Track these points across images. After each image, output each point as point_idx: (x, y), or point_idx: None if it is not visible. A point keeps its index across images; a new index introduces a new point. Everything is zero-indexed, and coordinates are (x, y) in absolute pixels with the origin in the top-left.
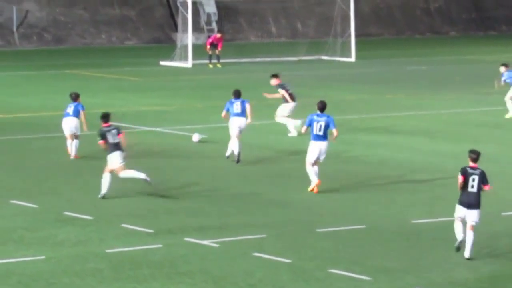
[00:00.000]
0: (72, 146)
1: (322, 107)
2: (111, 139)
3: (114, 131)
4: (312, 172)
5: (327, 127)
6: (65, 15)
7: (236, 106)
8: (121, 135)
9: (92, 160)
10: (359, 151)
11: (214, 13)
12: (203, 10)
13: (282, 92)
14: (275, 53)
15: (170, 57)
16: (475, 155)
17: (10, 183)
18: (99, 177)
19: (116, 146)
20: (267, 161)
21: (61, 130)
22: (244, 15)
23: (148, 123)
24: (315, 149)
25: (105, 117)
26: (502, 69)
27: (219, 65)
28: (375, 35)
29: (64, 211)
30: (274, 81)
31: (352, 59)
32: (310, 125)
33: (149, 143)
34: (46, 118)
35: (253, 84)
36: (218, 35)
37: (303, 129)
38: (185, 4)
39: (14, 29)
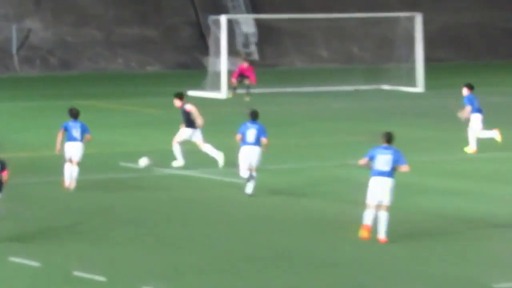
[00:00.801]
0: (72, 173)
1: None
2: None
3: None
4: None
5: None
6: (74, 35)
7: (250, 133)
8: (4, 173)
9: (99, 198)
10: (428, 200)
11: (253, 34)
12: (240, 29)
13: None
14: (325, 81)
15: (199, 86)
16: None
17: (7, 237)
18: (113, 224)
19: None
20: (287, 203)
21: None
22: (289, 36)
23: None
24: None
25: None
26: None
27: (247, 99)
28: (445, 60)
29: (72, 270)
30: (177, 102)
31: (419, 88)
32: (371, 158)
33: (176, 189)
34: (49, 158)
35: (297, 118)
36: (246, 65)
37: (363, 162)
38: (217, 23)
39: (14, 52)
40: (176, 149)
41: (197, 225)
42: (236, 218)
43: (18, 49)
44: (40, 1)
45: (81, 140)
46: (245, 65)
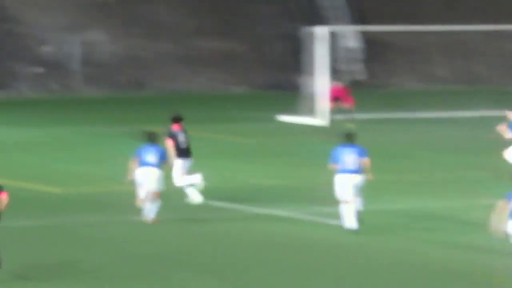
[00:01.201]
0: (151, 207)
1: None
2: None
3: None
4: None
5: None
6: (147, 50)
7: (349, 158)
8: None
9: (175, 241)
10: None
11: (359, 49)
12: (343, 44)
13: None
14: (444, 105)
15: (293, 110)
16: None
17: None
18: (191, 274)
19: None
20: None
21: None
22: (401, 52)
23: (264, 203)
24: None
25: None
26: None
27: (350, 125)
28: None
29: None
30: (176, 128)
31: None
32: None
33: (269, 233)
34: (117, 193)
35: (410, 149)
36: (339, 85)
37: None
38: (316, 36)
39: (76, 69)
40: (181, 184)
41: (302, 275)
42: (345, 266)
43: (81, 65)
44: (108, 10)
45: (158, 166)
46: (338, 86)
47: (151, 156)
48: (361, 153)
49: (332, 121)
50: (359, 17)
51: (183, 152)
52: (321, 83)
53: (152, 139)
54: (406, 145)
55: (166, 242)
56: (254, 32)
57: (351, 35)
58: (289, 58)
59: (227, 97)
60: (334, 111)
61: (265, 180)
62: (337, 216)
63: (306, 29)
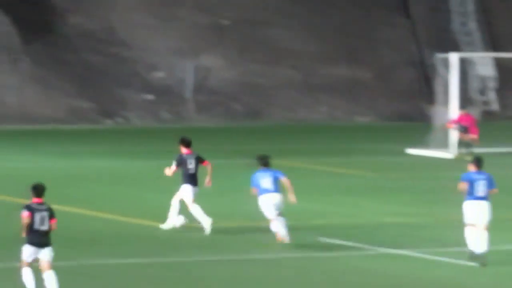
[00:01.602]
0: (280, 227)
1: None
2: (37, 222)
3: (45, 213)
4: None
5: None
6: (266, 76)
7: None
8: (53, 221)
9: (289, 282)
10: None
11: (492, 77)
12: (475, 72)
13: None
14: None
15: (423, 143)
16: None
17: None
18: None
19: (43, 237)
20: None
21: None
22: None
23: (391, 243)
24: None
25: (37, 190)
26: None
27: (468, 158)
28: None
29: None
30: (184, 150)
31: None
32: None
33: (393, 272)
34: (231, 230)
35: None
36: (467, 115)
37: None
38: (446, 63)
39: (188, 96)
40: (195, 212)
41: None
42: None
43: (194, 92)
44: (223, 33)
45: (276, 191)
46: (466, 115)
47: (265, 181)
48: (490, 182)
49: (458, 154)
50: (493, 43)
51: (191, 178)
52: (452, 113)
53: (265, 163)
54: None
55: (288, 281)
56: (380, 58)
57: (483, 62)
58: (417, 86)
59: (351, 128)
60: (459, 142)
61: (389, 217)
62: (464, 256)
63: (436, 55)
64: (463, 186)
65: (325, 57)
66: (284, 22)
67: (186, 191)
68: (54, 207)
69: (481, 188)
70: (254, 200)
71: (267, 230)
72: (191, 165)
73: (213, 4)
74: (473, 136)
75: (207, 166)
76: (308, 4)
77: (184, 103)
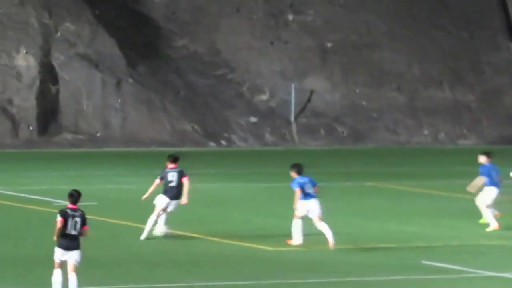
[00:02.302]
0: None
1: None
2: (69, 227)
3: (78, 219)
4: None
5: None
6: (370, 99)
7: None
8: (86, 228)
9: None
10: None
11: None
12: None
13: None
14: None
15: None
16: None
17: None
18: None
19: (72, 240)
20: None
21: None
22: None
23: (493, 265)
24: None
25: (72, 196)
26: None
27: None
28: None
29: None
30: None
31: None
32: None
33: None
34: (330, 252)
35: None
36: None
37: None
38: None
39: (292, 119)
40: (150, 220)
41: None
42: None
43: (298, 114)
44: (327, 55)
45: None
46: None
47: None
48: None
49: None
50: None
51: (170, 190)
52: None
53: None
54: None
55: None
56: (485, 81)
57: None
58: None
59: (454, 152)
60: None
61: (490, 240)
62: None
63: None
64: None
65: (429, 80)
66: (388, 44)
67: (159, 200)
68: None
69: None
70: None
71: (368, 251)
72: (172, 177)
73: (317, 26)
74: None
75: (184, 182)
76: (412, 27)
77: (288, 126)
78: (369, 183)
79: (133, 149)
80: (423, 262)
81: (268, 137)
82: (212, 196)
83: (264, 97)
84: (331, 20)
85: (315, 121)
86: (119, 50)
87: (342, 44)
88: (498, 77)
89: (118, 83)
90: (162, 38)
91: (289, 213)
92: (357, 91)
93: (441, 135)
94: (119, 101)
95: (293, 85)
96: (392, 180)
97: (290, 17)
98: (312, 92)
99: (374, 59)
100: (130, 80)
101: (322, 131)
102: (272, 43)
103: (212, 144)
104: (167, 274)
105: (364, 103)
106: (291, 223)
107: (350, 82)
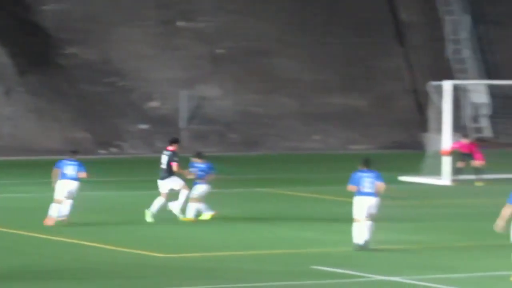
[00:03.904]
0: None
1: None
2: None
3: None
4: None
5: None
6: (262, 106)
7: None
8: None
9: None
10: None
11: (486, 105)
12: (469, 100)
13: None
14: None
15: (416, 170)
16: None
17: None
18: None
19: None
20: None
21: None
22: None
23: (382, 269)
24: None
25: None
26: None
27: (479, 183)
28: None
29: None
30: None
31: None
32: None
33: None
34: (226, 259)
35: None
36: (468, 142)
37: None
38: (440, 90)
39: (183, 125)
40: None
41: None
42: None
43: (189, 121)
44: (218, 62)
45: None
46: (467, 142)
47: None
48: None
49: (460, 181)
50: (486, 70)
51: (161, 171)
52: (446, 141)
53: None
54: None
55: None
56: (375, 87)
57: (477, 89)
58: (412, 114)
59: (346, 157)
60: (463, 170)
61: (381, 244)
62: (457, 282)
63: (430, 83)
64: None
65: (320, 86)
66: (279, 50)
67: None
68: (43, 236)
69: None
70: (247, 228)
71: (259, 257)
72: (163, 160)
73: (209, 33)
74: (478, 162)
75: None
76: (304, 33)
77: (178, 132)
78: (260, 189)
79: (24, 158)
80: (313, 267)
81: (159, 144)
82: (103, 204)
83: (155, 104)
84: (223, 27)
85: (207, 128)
86: (10, 59)
87: (233, 51)
88: (389, 82)
89: (8, 92)
90: (53, 46)
91: (180, 220)
92: (249, 97)
93: (333, 141)
94: (10, 110)
95: (184, 92)
96: (284, 186)
97: (182, 24)
98: (203, 98)
99: (266, 65)
100: (21, 89)
101: (213, 138)
102: (163, 50)
103: (103, 151)
104: (59, 284)
105: (255, 109)
106: (182, 229)
107: (242, 88)
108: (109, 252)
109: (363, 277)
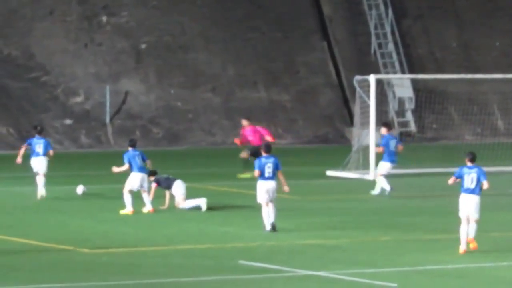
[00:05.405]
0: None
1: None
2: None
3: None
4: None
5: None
6: (185, 100)
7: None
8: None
9: None
10: None
11: (410, 99)
12: (393, 93)
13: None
14: (505, 161)
15: (342, 165)
16: None
17: None
18: None
19: None
20: None
21: None
22: (456, 101)
23: (308, 264)
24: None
25: None
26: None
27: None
28: None
29: None
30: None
31: None
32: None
33: None
34: (149, 254)
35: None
36: (248, 125)
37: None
38: (365, 85)
39: (107, 121)
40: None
41: None
42: None
43: (113, 116)
44: (141, 57)
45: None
46: (252, 128)
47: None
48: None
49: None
50: (410, 65)
51: None
52: (371, 135)
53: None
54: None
55: None
56: (299, 81)
57: (401, 83)
58: (336, 109)
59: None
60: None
61: (308, 241)
62: (381, 277)
63: (355, 78)
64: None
65: (244, 80)
66: (202, 45)
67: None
68: None
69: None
70: (172, 224)
71: (185, 252)
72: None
73: (131, 28)
74: (271, 139)
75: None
76: (227, 28)
77: (103, 127)
78: (186, 184)
79: None
80: (240, 262)
81: (83, 139)
82: (27, 200)
83: (79, 99)
84: (145, 22)
85: (130, 123)
86: None
87: (156, 46)
88: (313, 76)
89: None
90: None
91: (105, 216)
92: (172, 92)
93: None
94: None
95: (107, 87)
96: (208, 181)
97: (104, 19)
98: (126, 93)
99: (189, 60)
100: None
101: (137, 133)
102: (86, 45)
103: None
104: None
105: (179, 104)
106: (107, 225)
107: (165, 83)
108: (33, 247)
109: (290, 272)
